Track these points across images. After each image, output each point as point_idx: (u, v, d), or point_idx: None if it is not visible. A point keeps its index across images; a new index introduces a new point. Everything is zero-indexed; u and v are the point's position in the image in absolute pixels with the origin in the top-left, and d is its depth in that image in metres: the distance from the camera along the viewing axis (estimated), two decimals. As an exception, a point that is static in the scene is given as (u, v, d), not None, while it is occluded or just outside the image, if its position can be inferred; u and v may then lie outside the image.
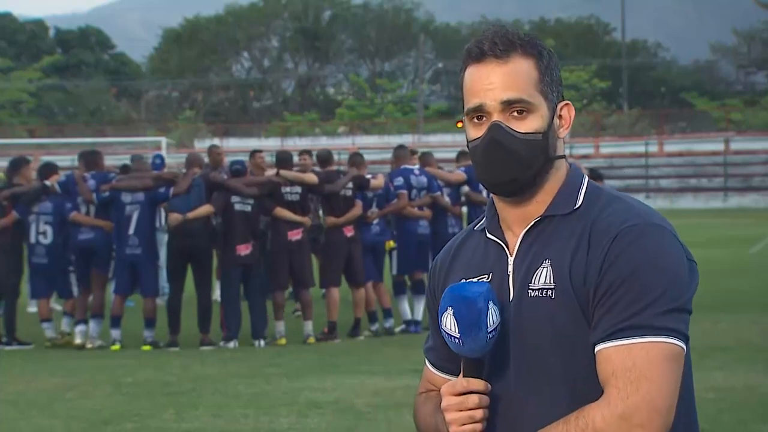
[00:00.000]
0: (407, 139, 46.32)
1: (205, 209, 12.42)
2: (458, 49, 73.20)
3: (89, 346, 12.67)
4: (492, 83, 2.28)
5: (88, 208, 12.73)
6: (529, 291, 2.28)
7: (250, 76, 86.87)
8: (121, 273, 12.63)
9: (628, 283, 2.18)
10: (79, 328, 12.86)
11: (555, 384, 2.25)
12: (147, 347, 12.46)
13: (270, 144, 52.64)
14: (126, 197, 12.50)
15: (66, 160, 34.77)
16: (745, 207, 47.22)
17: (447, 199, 13.64)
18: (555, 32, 78.63)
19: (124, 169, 14.64)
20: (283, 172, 12.73)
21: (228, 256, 12.61)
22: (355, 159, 13.56)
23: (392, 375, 10.02)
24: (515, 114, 2.29)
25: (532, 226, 2.33)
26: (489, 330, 2.24)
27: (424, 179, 13.46)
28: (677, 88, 76.11)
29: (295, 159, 13.44)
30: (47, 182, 12.92)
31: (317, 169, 13.20)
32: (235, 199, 12.41)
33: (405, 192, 13.25)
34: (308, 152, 13.96)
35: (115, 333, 12.64)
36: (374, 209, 13.15)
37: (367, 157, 14.66)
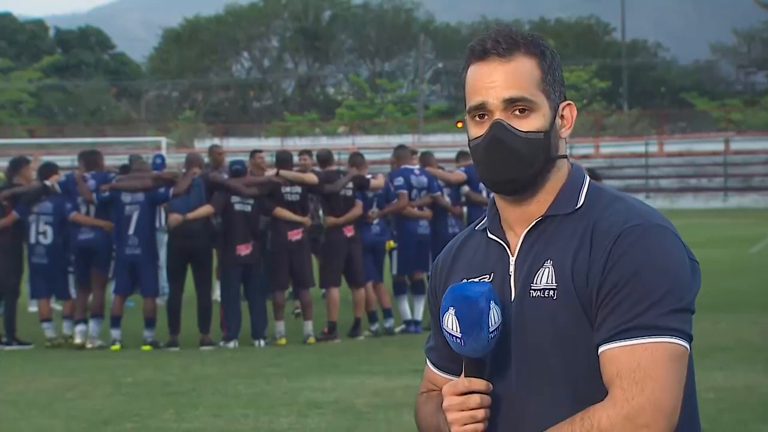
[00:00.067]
0: (407, 139, 46.29)
1: (205, 210, 12.42)
2: (458, 49, 73.39)
3: (89, 346, 12.67)
4: (494, 81, 2.28)
5: (88, 208, 12.73)
6: (531, 291, 2.28)
7: (250, 76, 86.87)
8: (121, 273, 12.62)
9: (631, 283, 2.18)
10: (79, 328, 12.86)
11: (556, 384, 2.25)
12: (147, 347, 12.46)
13: (270, 144, 52.61)
14: (126, 197, 12.50)
15: (66, 160, 34.76)
16: (745, 207, 47.22)
17: (447, 199, 13.64)
18: (555, 32, 78.60)
19: (124, 169, 14.64)
20: (283, 172, 12.73)
21: (228, 256, 12.61)
22: (356, 159, 13.56)
23: (392, 375, 10.02)
24: (517, 113, 2.28)
25: (533, 226, 2.33)
26: (491, 330, 2.24)
27: (424, 179, 13.46)
28: (677, 88, 76.10)
29: (295, 159, 13.45)
30: (47, 182, 12.92)
31: (317, 169, 13.21)
32: (235, 199, 12.41)
33: (405, 192, 13.25)
34: (308, 152, 13.97)
35: (115, 333, 12.64)
36: (374, 209, 13.15)
37: (367, 157, 14.65)
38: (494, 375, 2.31)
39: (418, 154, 14.68)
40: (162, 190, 12.59)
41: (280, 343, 12.61)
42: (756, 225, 34.63)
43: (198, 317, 12.60)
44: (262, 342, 12.57)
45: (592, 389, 2.20)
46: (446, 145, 45.00)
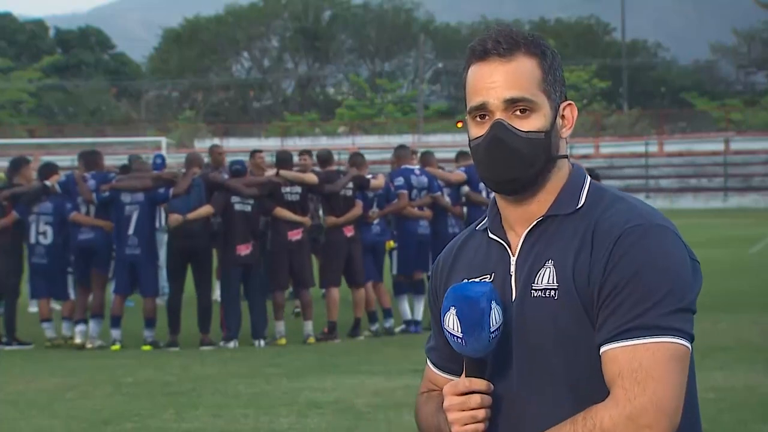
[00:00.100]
0: (407, 139, 46.27)
1: (205, 210, 12.42)
2: (458, 49, 73.36)
3: (89, 346, 12.67)
4: (495, 82, 2.28)
5: (88, 208, 12.73)
6: (532, 291, 2.28)
7: (250, 76, 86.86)
8: (121, 273, 12.63)
9: (632, 283, 2.18)
10: (79, 328, 12.86)
11: (557, 384, 2.25)
12: (147, 347, 12.46)
13: (270, 144, 52.61)
14: (126, 197, 12.50)
15: (66, 160, 34.75)
16: (745, 207, 47.22)
17: (447, 199, 13.64)
18: (555, 32, 78.61)
19: (124, 169, 14.63)
20: (283, 172, 12.73)
21: (228, 256, 12.61)
22: (356, 159, 13.56)
23: (392, 375, 10.02)
24: (518, 113, 2.28)
25: (534, 225, 2.33)
26: (492, 330, 2.24)
27: (424, 179, 13.46)
28: (677, 88, 76.10)
29: (295, 159, 13.45)
30: (47, 182, 12.92)
31: (317, 169, 13.21)
32: (235, 199, 12.41)
33: (405, 192, 13.25)
34: (308, 152, 13.97)
35: (115, 333, 12.64)
36: (375, 209, 13.15)
37: (367, 157, 14.66)
38: (495, 375, 2.30)
39: (418, 155, 14.67)
40: (162, 190, 12.59)
41: (280, 343, 12.61)
42: (756, 225, 34.64)
43: (198, 317, 12.60)
44: (262, 342, 12.57)
45: (593, 389, 2.20)
46: (446, 145, 44.99)
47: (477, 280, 2.35)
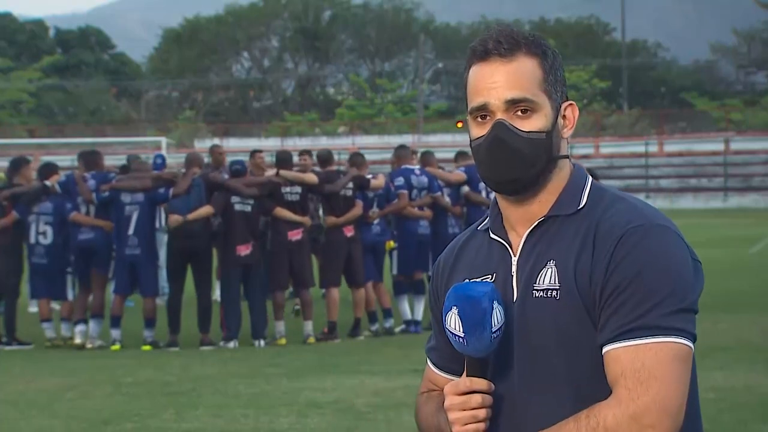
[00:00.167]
0: (407, 139, 46.26)
1: (205, 210, 12.42)
2: (458, 49, 73.26)
3: (89, 346, 12.67)
4: (496, 82, 2.28)
5: (88, 208, 12.73)
6: (534, 292, 2.28)
7: (250, 76, 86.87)
8: (121, 273, 12.63)
9: (634, 284, 2.18)
10: (79, 328, 12.86)
11: (559, 384, 2.25)
12: (147, 347, 12.46)
13: (270, 144, 52.61)
14: (126, 197, 12.50)
15: (66, 160, 34.74)
16: (745, 207, 47.22)
17: (447, 199, 13.64)
18: (555, 32, 78.61)
19: (124, 169, 14.63)
20: (283, 172, 12.73)
21: (228, 256, 12.61)
22: (356, 159, 13.56)
23: (392, 375, 10.02)
24: (519, 113, 2.28)
25: (535, 226, 2.33)
26: (493, 330, 2.24)
27: (424, 179, 13.46)
28: (677, 88, 76.12)
29: (295, 159, 13.45)
30: (47, 182, 12.92)
31: (317, 169, 13.20)
32: (235, 199, 12.41)
33: (405, 192, 13.25)
34: (308, 152, 13.96)
35: (115, 333, 12.64)
36: (375, 209, 13.15)
37: (367, 157, 14.65)
38: (496, 375, 2.31)
39: (418, 155, 14.67)
40: (162, 190, 12.59)
41: (280, 343, 12.61)
42: (756, 225, 34.64)
43: (198, 317, 12.60)
44: (262, 342, 12.57)
45: (595, 390, 2.20)
46: (446, 145, 44.98)
47: (478, 280, 2.35)
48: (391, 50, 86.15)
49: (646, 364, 2.14)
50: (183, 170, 13.12)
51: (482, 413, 2.26)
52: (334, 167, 13.52)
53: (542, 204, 2.33)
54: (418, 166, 13.81)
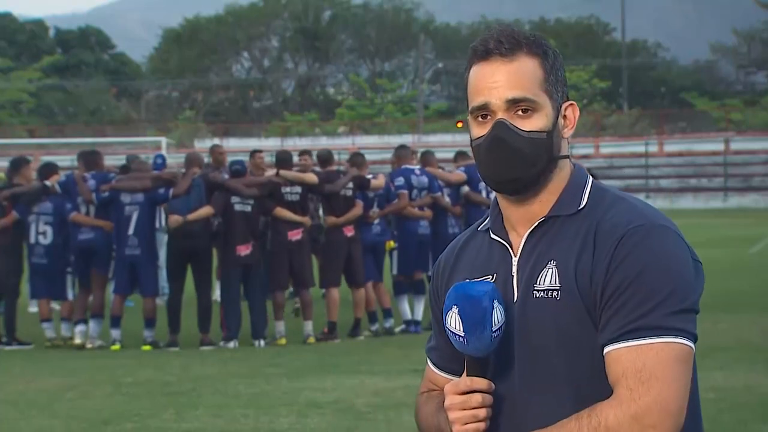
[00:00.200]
0: (407, 139, 46.26)
1: (205, 211, 12.42)
2: (458, 49, 73.16)
3: (89, 346, 12.67)
4: (497, 81, 2.28)
5: (88, 208, 12.73)
6: (534, 292, 2.28)
7: (250, 76, 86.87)
8: (121, 273, 12.62)
9: (635, 284, 2.18)
10: (79, 328, 12.86)
11: (559, 384, 2.25)
12: (147, 347, 12.46)
13: (270, 144, 52.61)
14: (125, 198, 12.50)
15: (66, 160, 34.74)
16: (745, 207, 47.21)
17: (447, 199, 13.64)
18: (555, 32, 78.60)
19: (124, 169, 14.62)
20: (283, 172, 12.73)
21: (228, 256, 12.61)
22: (356, 159, 13.56)
23: (392, 375, 10.02)
24: (520, 113, 2.28)
25: (536, 226, 2.33)
26: (494, 329, 2.24)
27: (425, 179, 13.46)
28: (677, 88, 76.12)
29: (295, 159, 13.44)
30: (47, 182, 12.92)
31: (317, 169, 13.20)
32: (235, 199, 12.41)
33: (406, 192, 13.25)
34: (308, 152, 13.96)
35: (115, 333, 12.64)
36: (375, 209, 13.14)
37: (367, 157, 14.65)
38: (497, 375, 2.31)
39: (418, 155, 14.66)
40: (162, 190, 12.59)
41: (280, 343, 12.61)
42: (756, 225, 34.63)
43: (198, 317, 12.60)
44: (262, 342, 12.57)
45: (595, 390, 2.20)
46: (446, 145, 44.98)
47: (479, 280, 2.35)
48: (391, 50, 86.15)
49: (648, 365, 2.15)
50: (183, 170, 13.11)
51: (482, 413, 2.26)
52: (334, 167, 13.51)
53: (543, 204, 2.33)
54: (418, 166, 13.81)
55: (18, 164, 13.34)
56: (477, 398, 2.26)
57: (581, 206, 2.31)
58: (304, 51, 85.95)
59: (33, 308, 14.73)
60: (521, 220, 2.34)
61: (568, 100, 2.36)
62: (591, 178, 2.38)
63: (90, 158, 13.25)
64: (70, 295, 13.04)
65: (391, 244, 13.41)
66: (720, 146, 52.71)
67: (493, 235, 2.39)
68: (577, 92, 63.48)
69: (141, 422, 8.21)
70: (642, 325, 2.16)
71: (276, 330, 12.71)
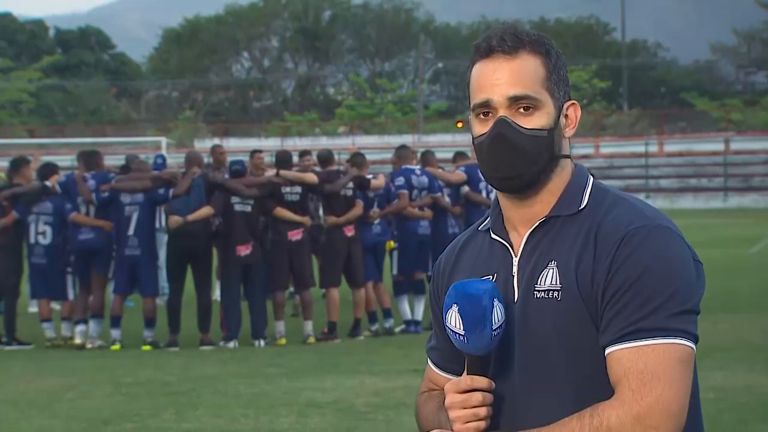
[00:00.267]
0: (407, 139, 46.25)
1: (205, 211, 12.42)
2: (458, 49, 73.05)
3: (89, 346, 12.67)
4: (499, 79, 2.28)
5: (88, 209, 12.73)
6: (535, 292, 2.27)
7: (250, 76, 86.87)
8: (121, 273, 12.62)
9: (636, 285, 2.18)
10: (79, 328, 12.86)
11: (560, 384, 2.25)
12: (147, 347, 12.46)
13: (270, 144, 52.61)
14: (125, 198, 12.50)
15: (66, 160, 34.72)
16: (745, 207, 47.20)
17: (447, 199, 13.64)
18: (555, 32, 78.54)
19: (124, 169, 14.62)
20: (283, 172, 12.73)
21: (228, 256, 12.61)
22: (357, 159, 13.57)
23: (392, 375, 10.02)
24: (521, 110, 2.28)
25: (537, 226, 2.32)
26: (494, 327, 2.23)
27: (425, 179, 13.46)
28: (677, 88, 76.11)
29: (296, 160, 13.44)
30: (47, 182, 12.92)
31: (318, 169, 13.20)
32: (235, 199, 12.41)
33: (406, 192, 13.25)
34: (309, 153, 13.95)
35: (115, 333, 12.64)
36: (375, 209, 13.14)
37: (367, 157, 14.64)
38: (497, 375, 2.30)
39: (418, 155, 14.66)
40: (162, 190, 12.58)
41: (280, 343, 12.61)
42: (756, 225, 34.62)
43: (198, 317, 12.60)
44: (262, 342, 12.56)
45: (596, 390, 2.20)
46: (446, 145, 44.97)
47: (479, 279, 2.35)
48: (391, 50, 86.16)
49: (649, 366, 2.15)
50: (183, 170, 13.11)
51: (483, 411, 2.26)
52: (335, 167, 13.51)
53: (544, 204, 2.32)
54: (418, 167, 13.81)
55: (18, 164, 13.34)
56: (477, 397, 2.26)
57: (582, 206, 2.31)
58: (304, 51, 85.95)
59: (33, 308, 14.73)
60: (522, 220, 2.34)
61: (570, 99, 2.36)
62: (592, 178, 2.38)
63: (90, 158, 13.25)
64: (70, 295, 13.04)
65: (391, 244, 13.41)
66: (720, 146, 52.71)
67: (493, 235, 2.39)
68: (577, 92, 63.43)
69: (141, 422, 8.21)
70: (644, 326, 2.16)
71: (276, 330, 12.71)
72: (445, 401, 2.29)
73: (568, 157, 2.35)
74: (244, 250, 12.38)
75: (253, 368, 10.76)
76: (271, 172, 12.94)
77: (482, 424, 2.27)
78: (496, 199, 2.40)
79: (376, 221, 13.18)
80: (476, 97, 2.31)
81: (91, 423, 8.24)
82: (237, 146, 49.02)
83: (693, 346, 2.19)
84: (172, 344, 12.52)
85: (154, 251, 12.84)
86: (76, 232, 12.71)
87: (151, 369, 10.84)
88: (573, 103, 2.36)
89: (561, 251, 2.27)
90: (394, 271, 13.43)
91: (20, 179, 13.12)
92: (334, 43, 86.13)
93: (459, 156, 14.76)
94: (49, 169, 13.26)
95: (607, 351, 2.20)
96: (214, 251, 13.28)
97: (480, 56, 2.32)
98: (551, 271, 2.27)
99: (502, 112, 2.28)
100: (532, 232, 2.33)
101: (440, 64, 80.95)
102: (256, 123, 73.24)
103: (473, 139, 2.33)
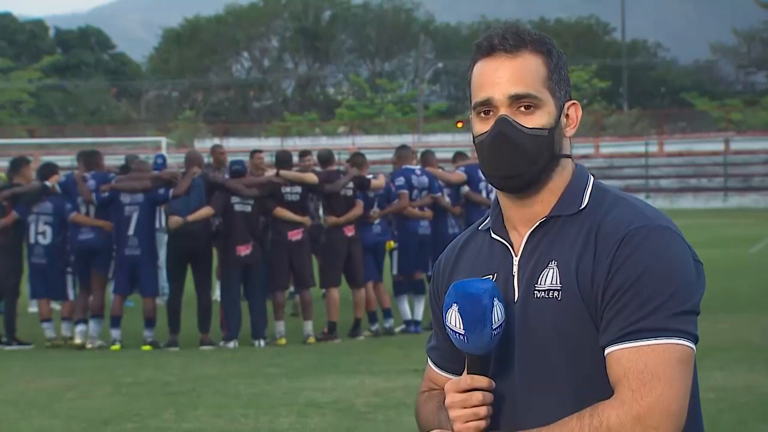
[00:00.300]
0: (407, 139, 46.24)
1: (205, 211, 12.42)
2: (458, 49, 73.04)
3: (89, 346, 12.67)
4: (500, 77, 2.28)
5: (88, 209, 12.73)
6: (535, 292, 2.27)
7: (250, 76, 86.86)
8: (121, 273, 12.62)
9: (636, 285, 2.18)
10: (79, 328, 12.86)
11: (560, 384, 2.25)
12: (147, 347, 12.46)
13: (270, 144, 52.61)
14: (125, 198, 12.50)
15: (66, 160, 34.71)
16: (745, 207, 47.21)
17: (447, 199, 13.64)
18: (555, 32, 78.49)
19: (124, 169, 14.61)
20: (283, 172, 12.73)
21: (228, 256, 12.61)
22: (357, 159, 13.57)
23: (392, 375, 10.02)
24: (522, 109, 2.28)
25: (537, 226, 2.32)
26: (494, 327, 2.23)
27: (425, 179, 13.46)
28: (677, 88, 76.11)
29: (295, 160, 13.44)
30: (47, 182, 12.92)
31: (318, 169, 13.20)
32: (235, 199, 12.41)
33: (406, 192, 13.25)
34: (309, 153, 13.95)
35: (115, 333, 12.64)
36: (375, 209, 13.15)
37: (367, 157, 14.65)
38: (497, 375, 2.30)
39: (419, 155, 14.66)
40: (162, 190, 12.58)
41: (280, 343, 12.61)
42: (756, 225, 34.62)
43: (198, 317, 12.60)
44: (262, 342, 12.56)
45: (595, 390, 2.20)
46: (446, 145, 44.97)
47: (479, 279, 2.35)
48: (391, 50, 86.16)
49: (649, 366, 2.15)
50: (183, 170, 13.11)
51: (483, 410, 2.26)
52: (335, 167, 13.51)
53: (544, 204, 2.32)
54: (418, 167, 13.81)
55: (18, 164, 13.35)
56: (478, 396, 2.26)
57: (582, 206, 2.31)
58: (304, 51, 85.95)
59: (33, 308, 14.72)
60: (522, 220, 2.34)
61: (570, 99, 2.36)
62: (592, 178, 2.38)
63: (90, 158, 13.25)
64: (70, 295, 13.04)
65: (392, 244, 13.41)
66: (720, 146, 52.71)
67: (493, 235, 2.39)
68: (577, 92, 63.40)
69: (141, 422, 8.21)
70: (644, 326, 2.16)
71: (276, 330, 12.71)
72: (445, 401, 2.29)
73: (568, 156, 2.35)
74: (244, 250, 12.38)
75: (253, 368, 10.76)
76: (271, 172, 12.94)
77: (482, 423, 2.26)
78: (497, 198, 2.40)
79: (376, 221, 13.18)
80: (477, 96, 2.31)
81: (91, 423, 8.24)
82: (237, 146, 49.02)
83: (693, 346, 2.19)
84: (172, 344, 12.52)
85: (154, 251, 12.85)
86: (76, 232, 12.71)
87: (151, 369, 10.84)
88: (574, 103, 2.36)
89: (561, 251, 2.27)
90: (394, 271, 13.43)
91: (20, 179, 13.12)
92: (334, 43, 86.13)
93: (459, 156, 14.76)
94: (49, 169, 13.26)
95: (607, 351, 2.20)
96: (214, 251, 13.28)
97: (481, 55, 2.32)
98: (551, 270, 2.26)
99: (503, 111, 2.28)
100: (532, 231, 2.32)
101: (440, 64, 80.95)
102: (256, 123, 73.23)
103: (474, 137, 2.33)
